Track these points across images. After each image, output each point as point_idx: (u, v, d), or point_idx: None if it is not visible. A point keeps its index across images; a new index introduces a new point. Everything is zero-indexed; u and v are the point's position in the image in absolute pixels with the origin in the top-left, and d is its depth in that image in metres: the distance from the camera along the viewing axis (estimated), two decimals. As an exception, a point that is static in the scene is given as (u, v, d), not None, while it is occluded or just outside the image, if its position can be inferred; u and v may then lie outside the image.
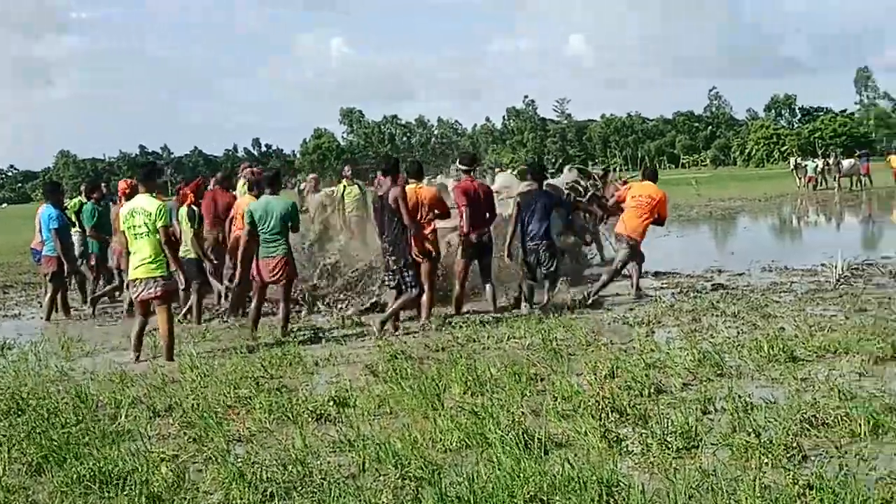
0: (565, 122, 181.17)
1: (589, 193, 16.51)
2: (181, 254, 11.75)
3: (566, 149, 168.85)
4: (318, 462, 6.34)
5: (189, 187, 14.01)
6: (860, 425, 6.20)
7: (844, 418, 6.37)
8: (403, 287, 11.66)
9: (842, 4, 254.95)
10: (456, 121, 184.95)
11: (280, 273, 11.67)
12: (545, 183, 13.57)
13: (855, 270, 14.59)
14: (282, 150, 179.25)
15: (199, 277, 13.37)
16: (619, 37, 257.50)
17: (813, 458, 5.79)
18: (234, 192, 15.77)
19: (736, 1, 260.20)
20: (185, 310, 13.68)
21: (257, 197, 12.41)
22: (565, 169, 19.12)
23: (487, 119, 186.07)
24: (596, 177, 18.11)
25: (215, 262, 13.70)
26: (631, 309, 12.36)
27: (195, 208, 13.34)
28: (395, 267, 11.62)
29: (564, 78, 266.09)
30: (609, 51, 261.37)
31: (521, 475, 5.54)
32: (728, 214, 34.85)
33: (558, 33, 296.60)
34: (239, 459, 6.46)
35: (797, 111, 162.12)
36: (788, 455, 5.76)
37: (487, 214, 12.79)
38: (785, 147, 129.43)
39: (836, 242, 19.26)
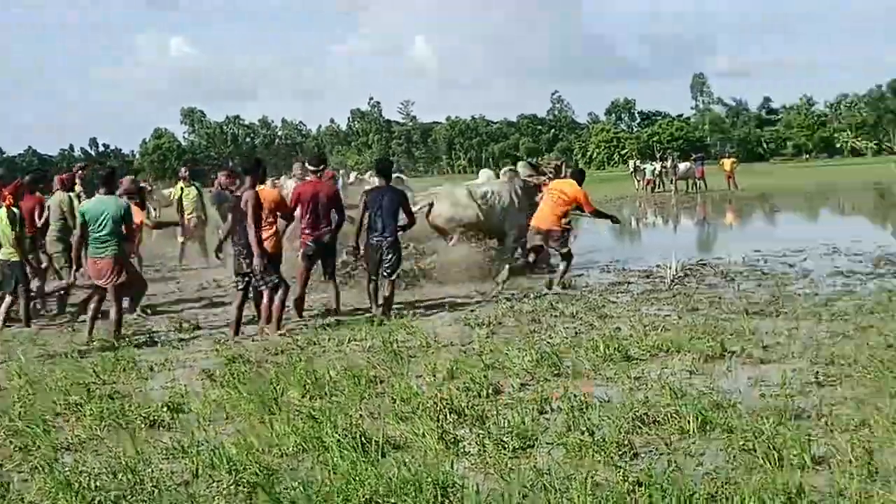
0: (410, 124, 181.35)
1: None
2: (3, 257, 11.32)
3: (412, 151, 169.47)
4: (150, 469, 6.16)
5: (8, 189, 13.48)
6: (689, 422, 6.35)
7: (675, 415, 6.53)
8: (266, 288, 11.51)
9: (679, 12, 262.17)
10: (300, 122, 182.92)
11: (110, 275, 11.34)
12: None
13: (688, 271, 15.03)
14: (120, 150, 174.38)
15: (25, 280, 12.90)
16: (463, 39, 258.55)
17: (644, 454, 5.91)
18: (40, 195, 15.17)
19: (578, 6, 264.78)
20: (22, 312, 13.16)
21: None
22: (519, 165, 19.32)
23: (332, 121, 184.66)
24: (549, 172, 18.34)
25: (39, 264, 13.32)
26: (472, 310, 12.44)
27: (16, 210, 12.83)
28: (248, 269, 11.43)
29: (409, 80, 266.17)
30: (453, 53, 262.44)
31: (357, 478, 5.50)
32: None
33: (403, 35, 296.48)
34: (67, 468, 6.24)
35: (636, 115, 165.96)
36: (620, 453, 5.86)
37: (332, 216, 12.66)
38: (625, 150, 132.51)
39: (673, 244, 19.86)
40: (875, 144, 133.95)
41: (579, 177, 14.99)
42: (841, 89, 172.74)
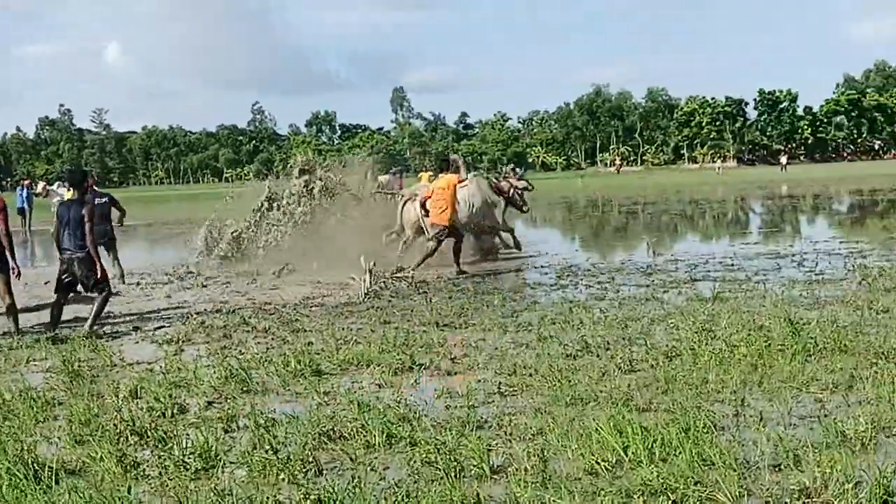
0: (104, 133, 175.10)
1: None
2: None
3: (105, 161, 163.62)
4: None
5: None
6: (375, 436, 6.39)
7: (361, 430, 6.55)
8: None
9: (381, 27, 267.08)
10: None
11: None
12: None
13: (384, 283, 15.21)
14: None
15: None
16: (161, 47, 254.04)
17: (328, 471, 5.89)
18: None
19: (279, 17, 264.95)
20: None
21: None
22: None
23: (18, 128, 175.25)
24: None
25: None
26: (161, 327, 12.09)
27: None
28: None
29: (103, 87, 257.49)
30: (151, 61, 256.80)
31: (25, 510, 5.18)
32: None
33: (97, 40, 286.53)
34: None
35: (337, 128, 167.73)
36: (305, 470, 5.82)
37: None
38: (326, 163, 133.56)
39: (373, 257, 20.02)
40: (564, 160, 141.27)
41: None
42: (533, 106, 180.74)
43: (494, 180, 21.32)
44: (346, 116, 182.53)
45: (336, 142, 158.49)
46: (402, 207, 19.25)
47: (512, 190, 20.86)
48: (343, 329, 11.22)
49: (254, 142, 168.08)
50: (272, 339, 10.85)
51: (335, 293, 14.75)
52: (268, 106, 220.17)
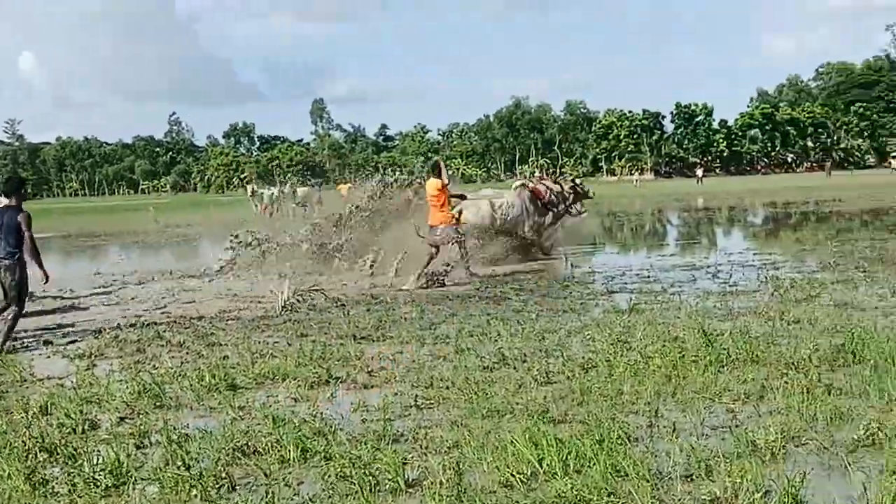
0: (17, 144, 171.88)
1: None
2: None
3: (18, 172, 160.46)
4: None
5: None
6: (290, 451, 6.34)
7: (276, 444, 6.49)
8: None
9: (300, 38, 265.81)
10: None
11: None
12: None
13: (301, 296, 15.09)
14: None
15: None
16: (76, 57, 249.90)
17: (242, 486, 5.83)
18: None
19: (198, 28, 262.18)
20: None
21: None
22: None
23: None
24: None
25: None
26: (74, 341, 11.88)
27: None
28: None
29: (16, 97, 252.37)
30: (66, 71, 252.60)
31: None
32: (186, 240, 34.92)
33: (9, 50, 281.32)
34: None
35: (256, 139, 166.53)
36: (218, 486, 5.75)
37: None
38: (245, 174, 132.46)
39: (288, 269, 19.90)
40: (484, 171, 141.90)
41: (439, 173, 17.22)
42: (453, 118, 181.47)
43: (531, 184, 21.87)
44: (265, 128, 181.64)
45: (254, 153, 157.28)
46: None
47: (548, 193, 21.43)
48: (259, 342, 11.10)
49: (171, 153, 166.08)
50: (187, 353, 10.70)
51: (252, 306, 14.60)
52: (185, 117, 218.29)
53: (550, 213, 21.55)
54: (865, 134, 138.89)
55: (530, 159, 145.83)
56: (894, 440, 6.08)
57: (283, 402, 7.97)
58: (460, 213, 18.54)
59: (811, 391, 7.35)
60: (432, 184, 17.17)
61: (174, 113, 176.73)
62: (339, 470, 5.87)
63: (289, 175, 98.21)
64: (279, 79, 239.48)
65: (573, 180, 23.91)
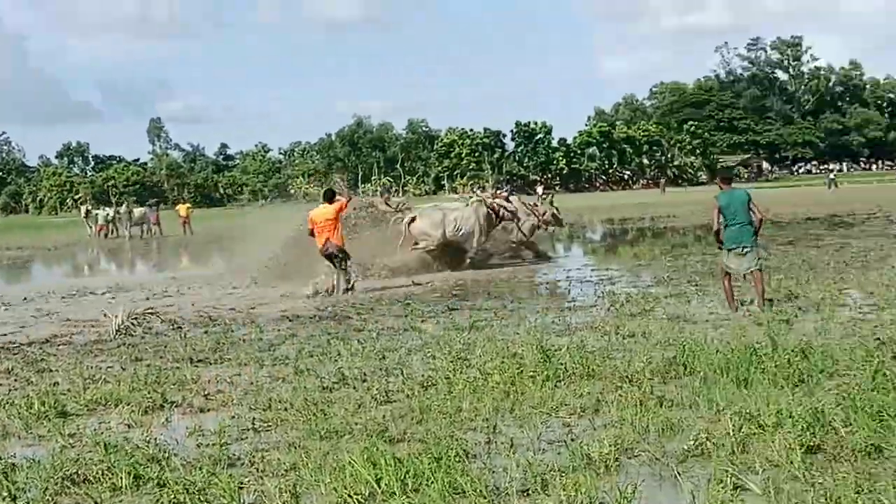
0: None
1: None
2: None
3: None
4: None
5: None
6: (122, 478, 6.17)
7: (107, 472, 6.32)
8: None
9: (135, 55, 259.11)
10: None
11: None
12: None
13: (136, 320, 14.71)
14: None
15: None
16: None
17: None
18: None
19: (24, 45, 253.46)
20: None
21: None
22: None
23: None
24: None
25: None
26: None
27: None
28: None
29: None
30: None
31: None
32: (17, 263, 33.77)
33: None
34: None
35: (91, 159, 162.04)
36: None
37: None
38: (79, 195, 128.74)
39: (122, 294, 19.43)
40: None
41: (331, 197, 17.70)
42: (296, 137, 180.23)
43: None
44: (100, 147, 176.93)
45: (89, 174, 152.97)
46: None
47: (502, 211, 21.75)
48: (92, 367, 10.78)
49: (1, 174, 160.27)
50: (15, 380, 10.31)
51: (85, 331, 14.16)
52: (15, 137, 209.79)
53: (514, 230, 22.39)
54: (698, 151, 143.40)
55: (373, 178, 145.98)
56: (721, 449, 6.28)
57: (116, 429, 7.77)
58: (413, 219, 18.90)
59: (644, 403, 7.55)
60: (326, 210, 17.26)
61: (3, 132, 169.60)
62: (172, 497, 5.75)
63: (124, 195, 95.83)
64: (114, 97, 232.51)
65: (552, 203, 24.69)
